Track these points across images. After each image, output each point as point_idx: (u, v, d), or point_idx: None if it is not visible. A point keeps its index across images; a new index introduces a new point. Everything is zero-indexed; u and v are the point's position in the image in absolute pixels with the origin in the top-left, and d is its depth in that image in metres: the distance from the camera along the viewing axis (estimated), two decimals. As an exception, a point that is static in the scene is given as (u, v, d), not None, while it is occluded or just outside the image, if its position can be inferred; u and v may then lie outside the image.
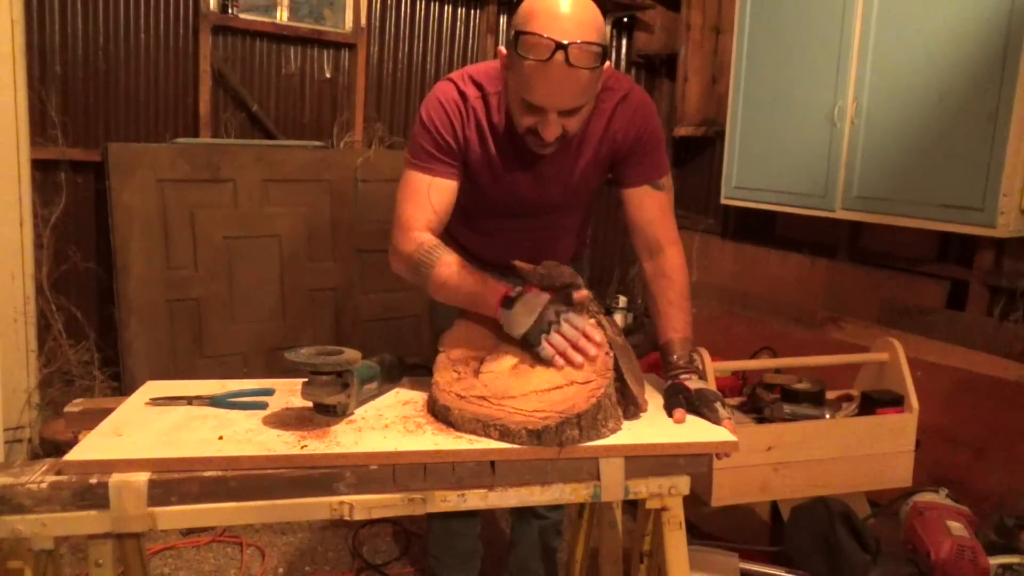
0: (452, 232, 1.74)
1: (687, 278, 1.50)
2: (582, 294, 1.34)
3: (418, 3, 3.67)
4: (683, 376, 1.39)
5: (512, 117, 1.40)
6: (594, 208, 1.81)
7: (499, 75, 1.45)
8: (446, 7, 3.75)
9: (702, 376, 1.44)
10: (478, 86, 1.47)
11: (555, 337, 1.26)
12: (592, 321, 1.30)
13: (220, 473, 1.09)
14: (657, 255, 1.50)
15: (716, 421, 1.29)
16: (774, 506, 2.12)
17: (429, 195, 1.44)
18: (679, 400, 1.34)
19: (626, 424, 1.27)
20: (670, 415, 1.31)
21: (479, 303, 1.36)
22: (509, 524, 2.18)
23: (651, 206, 1.51)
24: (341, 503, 1.12)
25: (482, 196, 1.58)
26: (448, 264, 1.38)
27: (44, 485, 1.05)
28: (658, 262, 1.50)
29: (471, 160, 1.50)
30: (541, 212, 1.62)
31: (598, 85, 1.35)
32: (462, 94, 1.46)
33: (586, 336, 1.27)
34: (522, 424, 1.17)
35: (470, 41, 3.83)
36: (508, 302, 1.31)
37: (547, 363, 1.26)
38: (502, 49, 1.36)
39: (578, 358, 1.25)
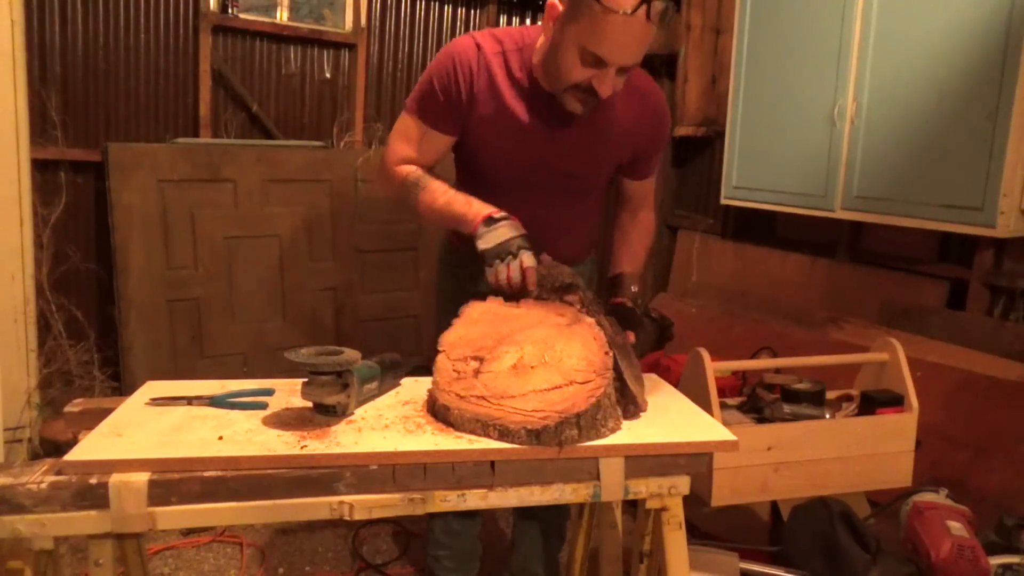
0: None
1: (654, 236, 1.77)
2: (573, 296, 1.39)
3: (418, 3, 3.67)
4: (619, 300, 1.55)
5: (551, 72, 1.42)
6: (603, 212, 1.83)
7: (522, 36, 1.49)
8: (446, 7, 3.75)
9: (636, 305, 1.59)
10: (498, 41, 1.50)
11: (502, 270, 1.38)
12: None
13: (220, 473, 1.08)
14: (636, 212, 1.73)
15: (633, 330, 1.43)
16: (774, 506, 2.12)
17: (421, 143, 1.54)
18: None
19: (626, 424, 1.27)
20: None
21: (462, 223, 1.46)
22: (509, 524, 2.18)
23: (644, 192, 1.74)
24: (341, 503, 1.12)
25: (494, 157, 1.57)
26: (434, 190, 1.50)
27: (44, 485, 1.04)
28: (637, 216, 1.73)
29: (481, 114, 1.51)
30: (553, 184, 1.60)
31: None
32: (478, 46, 1.49)
33: (525, 277, 1.38)
34: (521, 424, 1.17)
35: (470, 41, 3.83)
36: (489, 221, 1.41)
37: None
38: (556, 1, 1.37)
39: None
